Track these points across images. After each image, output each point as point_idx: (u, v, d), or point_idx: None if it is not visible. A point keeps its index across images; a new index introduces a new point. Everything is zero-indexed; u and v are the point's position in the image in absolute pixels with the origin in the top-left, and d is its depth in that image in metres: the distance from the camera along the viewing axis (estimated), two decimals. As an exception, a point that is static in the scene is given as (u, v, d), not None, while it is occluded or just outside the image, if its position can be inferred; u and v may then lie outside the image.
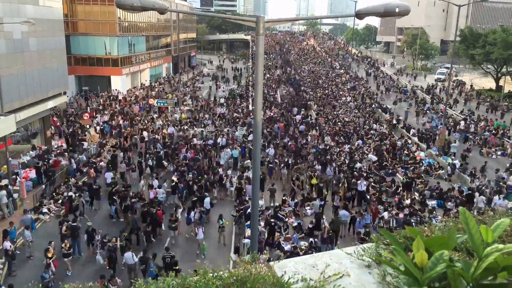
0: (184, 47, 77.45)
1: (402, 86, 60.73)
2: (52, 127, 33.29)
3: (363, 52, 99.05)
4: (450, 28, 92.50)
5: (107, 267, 16.07)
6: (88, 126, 34.78)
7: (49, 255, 15.69)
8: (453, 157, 30.01)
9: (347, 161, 28.24)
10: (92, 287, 1.87)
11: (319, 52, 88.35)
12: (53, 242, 16.39)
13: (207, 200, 20.86)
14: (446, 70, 68.09)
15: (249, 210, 17.32)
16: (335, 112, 44.68)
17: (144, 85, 57.82)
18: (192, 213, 19.41)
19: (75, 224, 17.63)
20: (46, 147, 29.49)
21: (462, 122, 39.34)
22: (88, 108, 41.70)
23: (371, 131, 37.36)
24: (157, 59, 65.98)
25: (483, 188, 23.82)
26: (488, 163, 28.99)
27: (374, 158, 29.42)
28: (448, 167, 28.06)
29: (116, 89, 50.88)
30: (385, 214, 19.96)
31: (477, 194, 22.80)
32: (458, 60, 73.51)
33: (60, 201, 21.75)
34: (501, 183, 24.68)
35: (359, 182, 23.33)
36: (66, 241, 16.62)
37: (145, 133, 31.96)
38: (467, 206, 20.83)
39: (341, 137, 34.68)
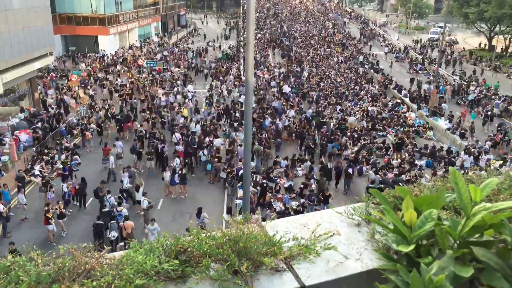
0: (173, 5, 75.02)
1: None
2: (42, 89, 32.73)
3: (357, 11, 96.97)
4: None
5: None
6: (77, 87, 34.13)
7: (49, 215, 15.84)
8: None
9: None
10: (86, 247, 1.88)
11: (311, 11, 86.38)
12: (50, 204, 16.48)
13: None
14: (439, 29, 67.11)
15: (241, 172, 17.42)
16: (327, 73, 44.31)
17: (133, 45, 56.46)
18: (176, 176, 19.48)
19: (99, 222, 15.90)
20: (35, 109, 29.04)
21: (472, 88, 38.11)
22: (78, 71, 40.53)
23: (363, 92, 37.24)
24: (145, 18, 63.99)
25: (472, 148, 24.15)
26: (476, 123, 29.25)
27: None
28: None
29: (103, 49, 49.67)
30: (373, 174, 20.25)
31: (462, 153, 23.19)
32: (452, 19, 72.40)
33: (50, 163, 21.66)
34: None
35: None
36: (59, 203, 16.71)
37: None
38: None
39: (333, 98, 34.55)
